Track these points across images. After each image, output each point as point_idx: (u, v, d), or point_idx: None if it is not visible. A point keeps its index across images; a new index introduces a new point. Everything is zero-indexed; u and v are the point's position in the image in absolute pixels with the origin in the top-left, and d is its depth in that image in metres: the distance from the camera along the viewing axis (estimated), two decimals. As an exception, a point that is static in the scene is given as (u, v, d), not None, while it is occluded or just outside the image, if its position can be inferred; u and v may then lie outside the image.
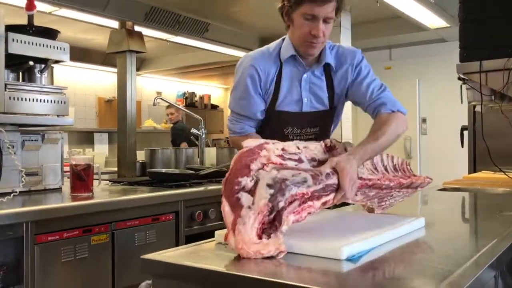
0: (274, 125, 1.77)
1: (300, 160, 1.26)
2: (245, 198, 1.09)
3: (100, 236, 2.09)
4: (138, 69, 6.49)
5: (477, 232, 1.52)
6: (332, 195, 1.21)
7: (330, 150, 1.36)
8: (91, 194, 2.24)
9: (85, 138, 6.07)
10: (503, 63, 1.73)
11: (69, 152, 2.25)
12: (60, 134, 2.45)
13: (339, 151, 1.37)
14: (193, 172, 2.88)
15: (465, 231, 1.50)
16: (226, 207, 1.10)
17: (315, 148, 1.34)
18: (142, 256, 1.08)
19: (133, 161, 3.31)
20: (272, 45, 1.77)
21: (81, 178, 2.22)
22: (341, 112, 1.89)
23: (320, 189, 1.17)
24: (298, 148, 1.29)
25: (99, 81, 6.66)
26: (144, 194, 2.37)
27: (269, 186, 1.09)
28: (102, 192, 2.44)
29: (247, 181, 1.11)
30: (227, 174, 1.15)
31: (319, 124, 1.78)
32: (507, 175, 2.25)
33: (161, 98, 3.76)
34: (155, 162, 3.26)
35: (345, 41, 4.90)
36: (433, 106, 6.12)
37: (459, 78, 1.97)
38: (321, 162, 1.30)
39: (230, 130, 1.87)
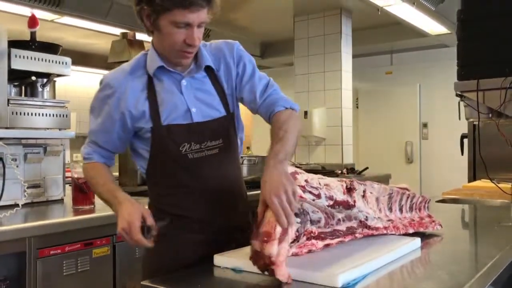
0: (167, 146, 1.45)
1: (318, 196, 1.31)
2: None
3: (101, 249, 2.11)
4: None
5: (473, 252, 1.54)
6: (336, 240, 1.27)
7: (349, 191, 1.41)
8: (92, 206, 2.26)
9: (87, 142, 6.09)
10: (500, 82, 1.74)
11: (71, 165, 2.26)
12: (62, 146, 2.47)
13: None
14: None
15: (461, 251, 1.51)
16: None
17: (336, 187, 1.38)
18: (142, 282, 1.11)
19: (134, 169, 3.33)
20: (132, 60, 1.53)
21: (83, 190, 2.24)
22: (240, 117, 1.60)
23: (327, 232, 1.25)
24: (320, 184, 1.33)
25: (101, 84, 6.68)
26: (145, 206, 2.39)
27: (296, 215, 1.15)
28: (103, 204, 2.46)
29: None
30: None
31: (220, 135, 1.50)
32: (499, 187, 2.27)
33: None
34: (156, 170, 3.27)
35: (346, 46, 4.92)
36: (434, 111, 6.14)
37: (457, 95, 1.99)
38: (337, 202, 1.34)
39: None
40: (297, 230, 1.16)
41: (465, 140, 3.63)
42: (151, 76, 1.47)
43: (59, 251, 1.96)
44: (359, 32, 5.26)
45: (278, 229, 1.08)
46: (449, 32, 4.83)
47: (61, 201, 2.46)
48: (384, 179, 4.54)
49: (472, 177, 3.53)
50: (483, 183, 2.98)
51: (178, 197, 1.49)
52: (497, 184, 2.32)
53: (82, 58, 5.94)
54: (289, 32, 5.20)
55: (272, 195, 1.11)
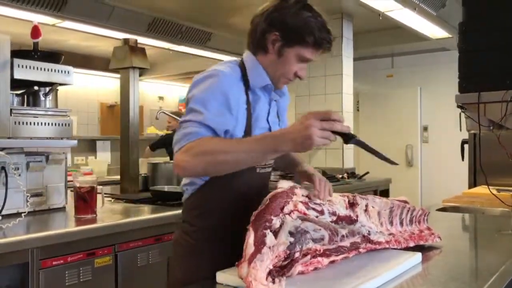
0: None
1: (322, 212, 1.31)
2: (270, 237, 1.13)
3: (103, 258, 2.12)
4: (140, 75, 6.50)
5: (474, 267, 1.54)
6: (341, 256, 1.28)
7: (352, 206, 1.42)
8: (95, 215, 2.27)
9: (88, 145, 6.11)
10: (502, 95, 1.75)
11: (74, 174, 2.27)
12: (64, 154, 2.48)
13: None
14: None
15: (462, 266, 1.52)
16: (250, 239, 1.12)
17: (338, 203, 1.39)
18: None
19: (136, 175, 3.34)
20: (232, 68, 1.49)
21: (85, 200, 2.25)
22: None
23: (332, 249, 1.26)
24: (322, 200, 1.34)
25: (101, 86, 6.69)
26: (147, 215, 2.40)
27: (291, 233, 1.16)
28: (105, 213, 2.47)
29: (276, 222, 1.16)
30: (260, 208, 1.19)
31: None
32: (498, 198, 2.27)
33: (163, 112, 3.79)
34: (157, 176, 3.29)
35: (347, 50, 4.92)
36: (435, 114, 6.14)
37: (458, 106, 1.99)
38: (340, 218, 1.35)
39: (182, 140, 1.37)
40: (289, 249, 1.15)
41: (466, 146, 3.64)
42: (248, 89, 1.48)
43: (61, 261, 1.97)
44: (360, 36, 5.26)
45: (249, 250, 1.09)
46: (450, 36, 4.84)
47: (63, 209, 2.47)
48: (384, 183, 4.55)
49: (473, 183, 3.54)
50: (483, 190, 2.98)
51: (230, 212, 1.47)
52: (496, 195, 2.32)
53: (83, 60, 5.96)
54: (290, 35, 5.19)
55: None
